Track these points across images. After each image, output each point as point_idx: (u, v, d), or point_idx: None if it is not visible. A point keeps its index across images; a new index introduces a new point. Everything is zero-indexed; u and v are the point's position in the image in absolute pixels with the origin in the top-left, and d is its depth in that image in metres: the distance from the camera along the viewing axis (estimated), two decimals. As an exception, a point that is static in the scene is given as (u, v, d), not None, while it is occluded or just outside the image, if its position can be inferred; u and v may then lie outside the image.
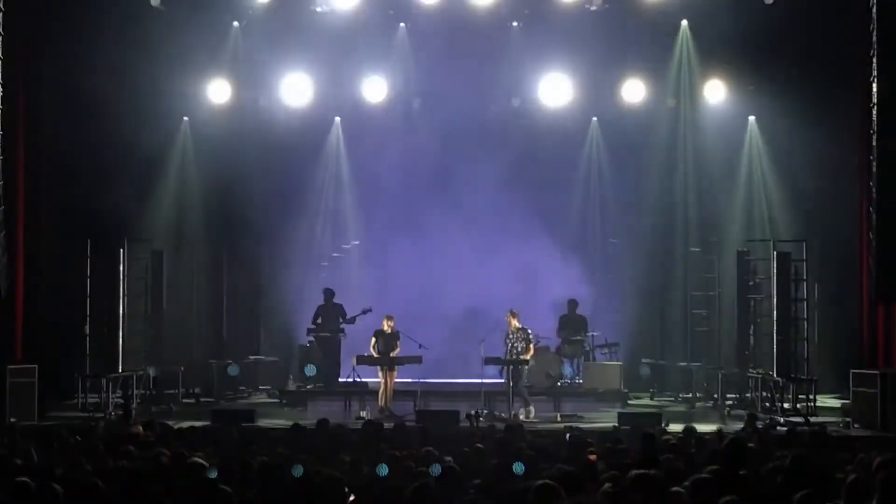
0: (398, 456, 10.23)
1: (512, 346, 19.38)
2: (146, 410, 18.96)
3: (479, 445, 11.57)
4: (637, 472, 8.01)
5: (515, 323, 19.46)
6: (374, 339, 19.71)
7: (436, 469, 8.95)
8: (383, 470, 9.12)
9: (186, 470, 9.05)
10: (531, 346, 19.48)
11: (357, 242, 23.75)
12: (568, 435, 13.82)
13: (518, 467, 9.30)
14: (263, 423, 17.39)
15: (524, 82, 22.65)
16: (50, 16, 20.50)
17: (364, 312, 20.85)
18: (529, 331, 19.53)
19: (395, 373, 19.58)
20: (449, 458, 10.21)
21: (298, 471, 8.68)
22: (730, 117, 22.32)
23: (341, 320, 21.21)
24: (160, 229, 22.18)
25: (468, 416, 16.95)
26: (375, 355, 19.56)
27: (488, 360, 19.32)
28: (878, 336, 19.78)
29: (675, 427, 15.22)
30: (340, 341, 21.36)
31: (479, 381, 19.37)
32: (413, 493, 7.75)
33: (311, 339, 21.64)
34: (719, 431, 13.87)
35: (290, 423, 14.61)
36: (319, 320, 21.39)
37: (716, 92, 22.11)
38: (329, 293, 21.56)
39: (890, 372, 17.58)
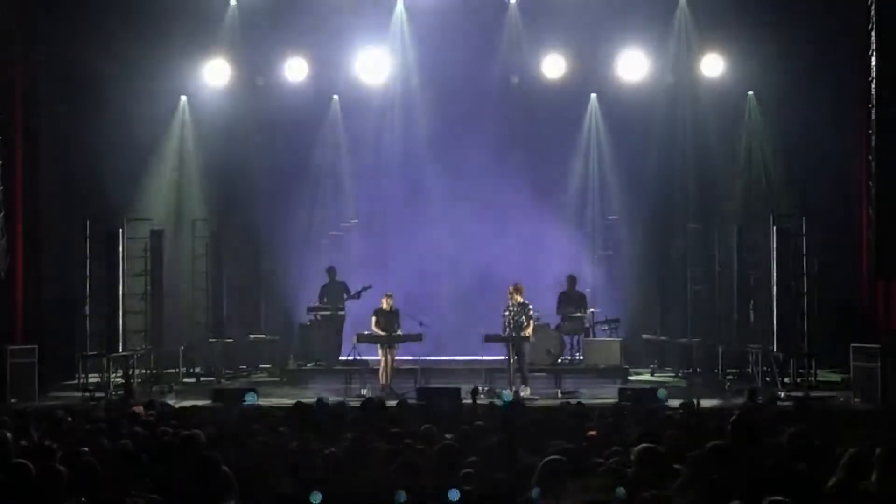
0: (398, 433, 10.23)
1: (513, 319, 18.92)
2: (147, 390, 18.98)
3: (480, 423, 11.57)
4: (640, 447, 7.98)
5: (518, 298, 19.08)
6: (374, 318, 19.66)
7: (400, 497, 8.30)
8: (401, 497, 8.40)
9: (187, 449, 9.04)
10: (532, 322, 19.11)
11: (356, 221, 23.70)
12: (569, 407, 13.87)
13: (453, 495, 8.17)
14: (264, 401, 17.38)
15: (523, 59, 22.58)
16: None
17: (364, 289, 20.90)
18: (531, 306, 19.34)
19: (396, 350, 19.54)
20: (450, 436, 10.22)
21: (317, 498, 8.22)
22: (728, 92, 22.24)
23: (345, 297, 21.26)
24: (159, 208, 22.24)
25: (473, 390, 16.69)
26: (378, 333, 19.50)
27: (489, 338, 19.25)
28: (877, 310, 19.78)
29: (675, 403, 15.22)
30: (344, 319, 21.40)
31: (479, 358, 19.32)
32: (397, 470, 7.77)
33: (312, 317, 21.68)
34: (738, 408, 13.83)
35: (292, 401, 14.57)
36: (325, 299, 21.45)
37: (714, 67, 22.06)
38: (332, 271, 21.66)
39: (890, 346, 17.58)
